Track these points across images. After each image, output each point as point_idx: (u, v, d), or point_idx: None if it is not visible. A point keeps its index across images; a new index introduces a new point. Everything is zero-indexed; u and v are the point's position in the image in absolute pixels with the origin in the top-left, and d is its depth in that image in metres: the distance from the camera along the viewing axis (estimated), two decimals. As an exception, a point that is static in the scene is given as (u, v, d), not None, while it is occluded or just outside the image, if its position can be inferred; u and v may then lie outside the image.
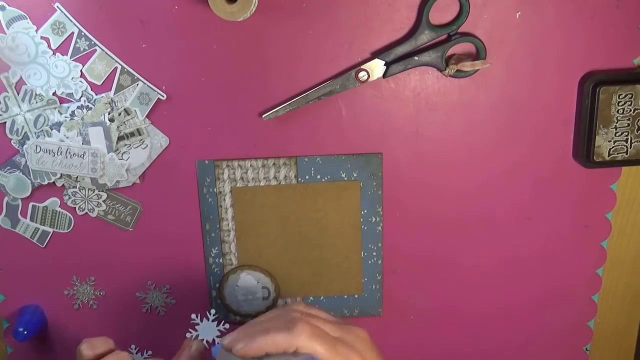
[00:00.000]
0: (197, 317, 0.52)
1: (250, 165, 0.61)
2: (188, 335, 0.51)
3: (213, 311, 0.52)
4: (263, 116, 0.59)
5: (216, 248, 0.64)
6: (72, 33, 0.56)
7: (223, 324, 0.52)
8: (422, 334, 0.67)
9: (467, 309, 0.66)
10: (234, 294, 0.65)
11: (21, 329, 0.62)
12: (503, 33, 0.57)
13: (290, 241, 0.64)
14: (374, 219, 0.63)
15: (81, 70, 0.57)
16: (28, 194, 0.61)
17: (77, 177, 0.60)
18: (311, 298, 0.66)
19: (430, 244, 0.64)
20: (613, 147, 0.59)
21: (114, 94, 0.58)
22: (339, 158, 0.61)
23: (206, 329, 0.52)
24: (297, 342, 0.42)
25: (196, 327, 0.52)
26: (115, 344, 0.51)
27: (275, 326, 0.44)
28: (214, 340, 0.52)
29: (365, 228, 0.63)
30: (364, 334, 0.47)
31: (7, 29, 0.56)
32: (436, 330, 0.67)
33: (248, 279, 0.65)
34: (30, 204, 0.62)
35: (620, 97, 0.57)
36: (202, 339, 0.51)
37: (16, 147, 0.60)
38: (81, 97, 0.58)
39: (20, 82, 0.57)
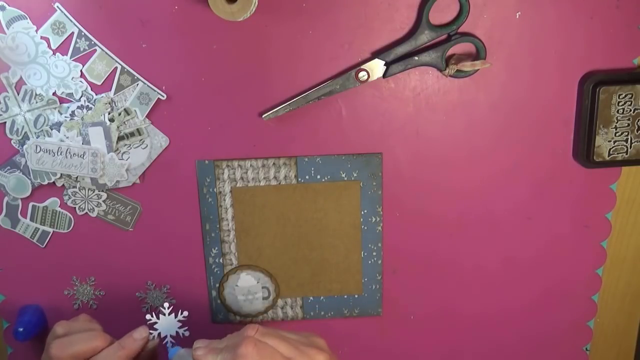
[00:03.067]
0: (153, 315, 0.51)
1: (250, 165, 0.61)
2: (150, 337, 0.51)
3: (167, 304, 0.51)
4: (263, 116, 0.59)
5: (216, 248, 0.64)
6: (72, 33, 0.56)
7: (181, 313, 0.51)
8: (422, 333, 0.67)
9: (467, 309, 0.66)
10: (234, 294, 0.65)
11: (21, 329, 0.61)
12: (503, 33, 0.57)
13: (290, 241, 0.64)
14: (374, 219, 0.63)
15: (81, 70, 0.57)
16: (28, 194, 0.61)
17: (77, 177, 0.60)
18: (311, 298, 0.66)
19: (430, 244, 0.64)
20: (613, 147, 0.59)
21: (114, 94, 0.58)
22: (339, 158, 0.61)
23: (166, 325, 0.51)
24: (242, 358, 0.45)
25: (155, 326, 0.51)
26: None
27: (228, 344, 0.48)
28: (177, 333, 0.51)
29: (365, 228, 0.63)
30: (320, 357, 0.48)
31: (7, 29, 0.56)
32: (436, 330, 0.67)
33: (248, 279, 0.65)
34: (30, 204, 0.62)
35: (620, 97, 0.57)
36: (165, 336, 0.51)
37: (16, 147, 0.60)
38: (81, 97, 0.58)
39: (20, 82, 0.57)
